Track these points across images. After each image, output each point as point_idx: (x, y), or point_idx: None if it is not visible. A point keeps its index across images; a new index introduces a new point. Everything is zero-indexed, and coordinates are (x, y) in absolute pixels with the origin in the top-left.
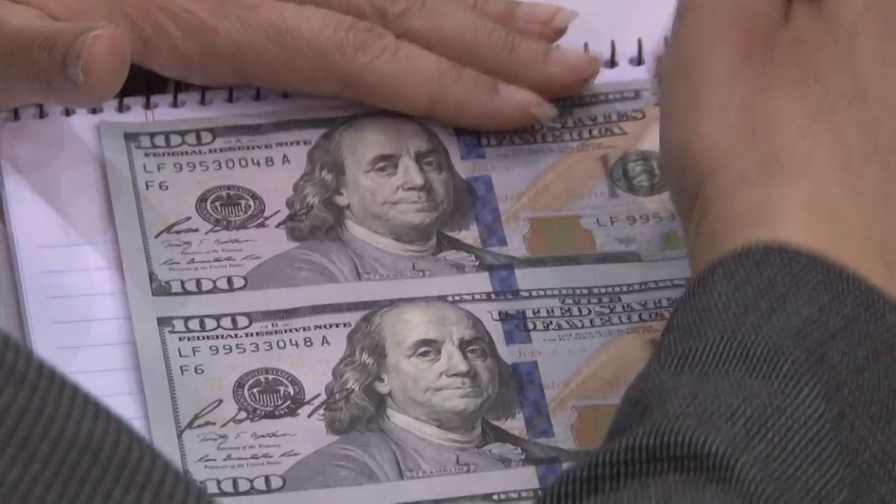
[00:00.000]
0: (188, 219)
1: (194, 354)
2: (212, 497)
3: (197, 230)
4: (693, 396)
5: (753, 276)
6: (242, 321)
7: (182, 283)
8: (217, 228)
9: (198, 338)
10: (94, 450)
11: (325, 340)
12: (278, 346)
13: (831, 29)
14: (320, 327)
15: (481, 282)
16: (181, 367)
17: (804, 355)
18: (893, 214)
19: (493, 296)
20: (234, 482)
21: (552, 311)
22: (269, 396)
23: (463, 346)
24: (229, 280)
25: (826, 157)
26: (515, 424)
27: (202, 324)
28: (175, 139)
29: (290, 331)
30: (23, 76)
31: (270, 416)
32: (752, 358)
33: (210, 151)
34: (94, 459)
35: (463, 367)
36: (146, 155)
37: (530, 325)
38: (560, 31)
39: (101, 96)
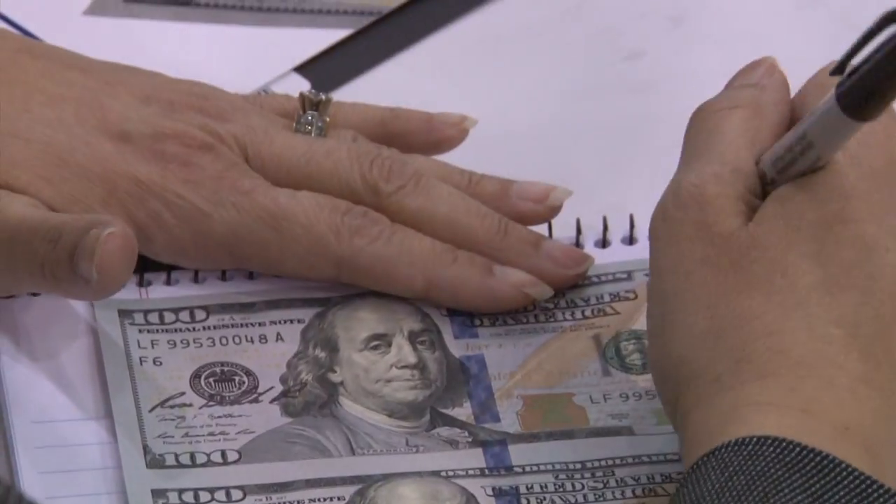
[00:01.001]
0: (182, 394)
1: None
2: None
3: (191, 405)
4: None
5: (747, 466)
6: (237, 494)
7: (176, 456)
8: (211, 403)
9: None
10: None
11: None
12: None
13: (801, 224)
14: (314, 501)
15: (475, 458)
16: None
17: None
18: (880, 400)
19: (486, 471)
20: None
21: (546, 487)
22: None
23: None
24: (223, 454)
25: (798, 350)
26: None
27: (196, 497)
28: (169, 316)
29: None
30: (24, 268)
31: None
32: None
33: (204, 329)
34: None
35: None
36: (140, 331)
37: (524, 501)
38: (555, 210)
39: (110, 292)
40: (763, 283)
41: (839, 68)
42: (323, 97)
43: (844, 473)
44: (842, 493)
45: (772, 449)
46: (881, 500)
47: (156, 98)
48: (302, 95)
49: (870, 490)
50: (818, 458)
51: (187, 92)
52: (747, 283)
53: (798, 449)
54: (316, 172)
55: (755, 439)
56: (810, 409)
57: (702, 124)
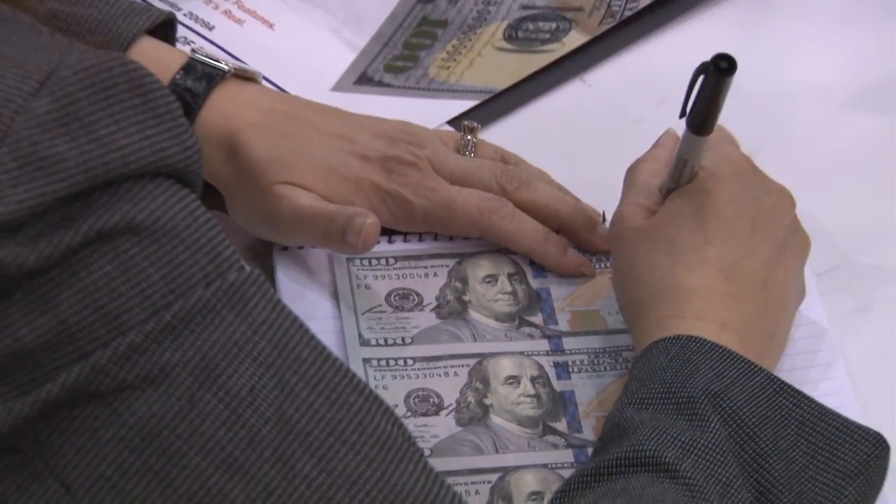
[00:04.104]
0: (380, 305)
1: (383, 379)
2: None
3: (385, 311)
4: (653, 429)
5: (679, 353)
6: (409, 362)
7: (376, 339)
8: (397, 310)
9: (385, 370)
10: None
11: (455, 374)
12: (429, 376)
13: (683, 211)
14: (454, 366)
15: (544, 345)
16: (374, 386)
17: (710, 404)
18: (741, 306)
19: (549, 352)
20: None
21: (583, 362)
22: (424, 404)
23: (533, 380)
24: (403, 339)
25: (686, 283)
26: (561, 426)
27: (387, 363)
28: (374, 262)
29: (436, 368)
30: (310, 234)
31: (424, 414)
32: (681, 404)
33: (393, 269)
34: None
35: (532, 391)
36: (358, 269)
37: (571, 370)
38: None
39: (362, 253)
40: (661, 249)
41: (683, 110)
42: (475, 124)
43: (734, 358)
44: (733, 371)
45: (693, 343)
46: (757, 374)
47: (384, 135)
48: (464, 124)
49: (751, 369)
50: (718, 350)
51: (401, 130)
52: (653, 249)
53: (709, 345)
54: (471, 178)
55: (684, 337)
56: (700, 316)
57: (629, 173)
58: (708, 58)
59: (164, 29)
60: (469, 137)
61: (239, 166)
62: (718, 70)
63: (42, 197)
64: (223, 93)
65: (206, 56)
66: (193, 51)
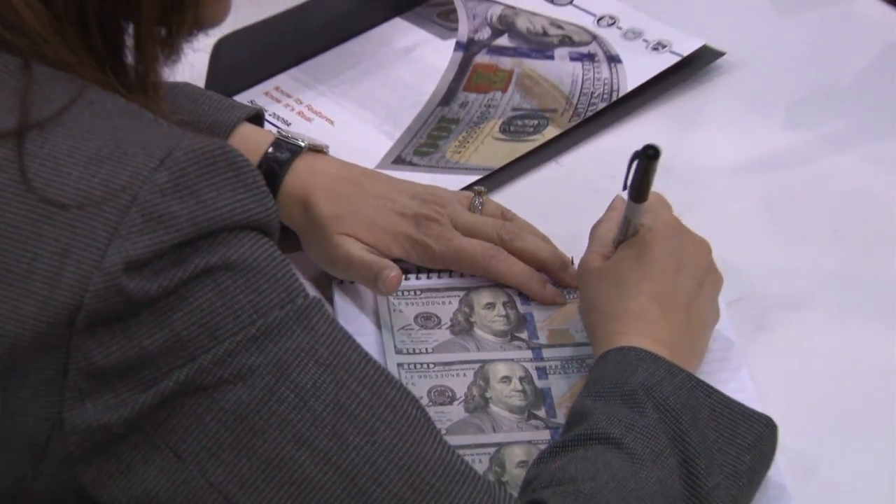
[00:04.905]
0: (410, 324)
1: (411, 378)
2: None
3: (414, 328)
4: (604, 413)
5: (623, 359)
6: (431, 365)
7: (407, 349)
8: (421, 328)
9: (413, 372)
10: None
11: (464, 374)
12: (445, 376)
13: (628, 257)
14: (463, 369)
15: (528, 354)
16: (405, 383)
17: (645, 395)
18: (669, 325)
19: (532, 360)
20: None
21: (557, 367)
22: (441, 396)
23: (521, 379)
24: (426, 349)
25: (629, 308)
26: (541, 413)
27: (415, 366)
28: (406, 293)
29: (450, 370)
30: (354, 276)
31: (441, 404)
32: (624, 396)
33: (419, 299)
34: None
35: (520, 388)
36: (394, 298)
37: (548, 372)
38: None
39: (388, 295)
40: (612, 284)
41: (624, 184)
42: (483, 189)
43: (663, 362)
44: (662, 371)
45: (633, 353)
46: (680, 373)
47: (417, 196)
48: (474, 189)
49: (675, 370)
50: (651, 356)
51: (430, 193)
52: (606, 284)
53: (644, 353)
54: (478, 231)
55: (626, 348)
56: (639, 333)
57: (592, 230)
58: (642, 147)
59: (256, 119)
60: (479, 198)
61: (310, 219)
62: (647, 156)
63: (161, 244)
64: (301, 162)
65: (289, 136)
66: (279, 132)
